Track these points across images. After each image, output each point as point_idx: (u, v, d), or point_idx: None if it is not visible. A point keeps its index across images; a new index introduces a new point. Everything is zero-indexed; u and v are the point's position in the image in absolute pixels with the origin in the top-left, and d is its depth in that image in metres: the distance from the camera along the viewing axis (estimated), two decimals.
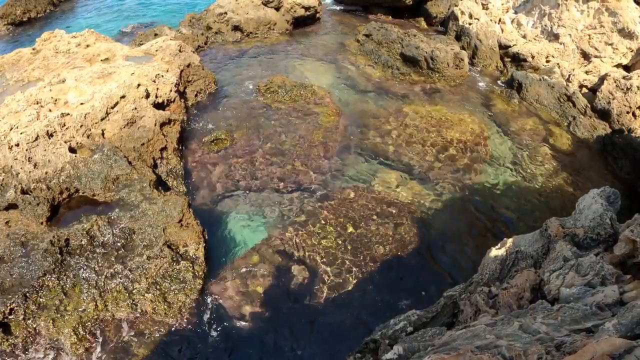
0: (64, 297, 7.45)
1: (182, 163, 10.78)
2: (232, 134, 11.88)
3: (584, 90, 14.38)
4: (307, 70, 15.62)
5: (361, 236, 9.20)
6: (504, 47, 16.95)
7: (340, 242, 9.06)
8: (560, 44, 15.72)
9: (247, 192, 10.18)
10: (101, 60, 12.52)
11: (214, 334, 7.43)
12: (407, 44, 16.01)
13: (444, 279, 8.56)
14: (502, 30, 17.39)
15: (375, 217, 9.65)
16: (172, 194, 9.40)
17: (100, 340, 7.15)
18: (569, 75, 14.72)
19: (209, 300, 7.89)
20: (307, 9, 19.80)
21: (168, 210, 8.67)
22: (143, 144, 10.32)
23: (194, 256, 8.28)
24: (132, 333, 7.27)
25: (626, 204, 6.45)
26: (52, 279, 7.53)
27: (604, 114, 13.26)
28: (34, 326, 7.12)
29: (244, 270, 8.44)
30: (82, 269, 7.78)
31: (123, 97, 10.79)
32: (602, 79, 13.86)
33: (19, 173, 8.78)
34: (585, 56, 15.25)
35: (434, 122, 12.87)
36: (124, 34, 19.52)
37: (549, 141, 12.69)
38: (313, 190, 10.31)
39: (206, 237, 8.82)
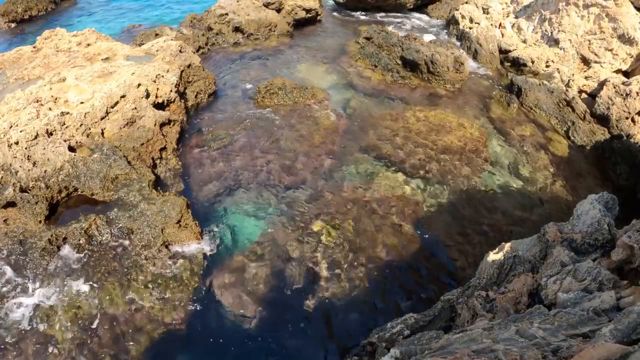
0: (61, 295, 7.44)
1: (181, 163, 10.79)
2: (232, 135, 11.89)
3: (584, 95, 14.42)
4: (307, 72, 15.65)
5: (359, 237, 9.21)
6: (504, 52, 17.00)
7: (338, 243, 9.06)
8: (560, 49, 15.77)
9: (246, 192, 10.18)
10: (102, 59, 12.53)
11: (211, 333, 7.42)
12: (407, 48, 16.04)
13: (441, 282, 8.57)
14: (503, 35, 17.45)
15: (373, 218, 9.66)
16: (171, 194, 9.40)
17: (97, 339, 7.13)
18: (569, 81, 14.76)
19: (206, 300, 7.88)
20: (308, 11, 19.85)
21: (167, 211, 8.68)
22: (142, 144, 10.33)
23: (191, 256, 8.29)
24: (129, 332, 7.26)
25: (624, 209, 6.46)
26: (50, 277, 7.53)
27: (603, 120, 13.29)
28: (31, 323, 7.11)
29: (241, 269, 8.43)
30: (79, 268, 7.77)
31: (123, 96, 10.80)
32: (602, 84, 13.90)
33: (17, 171, 8.77)
34: (585, 61, 15.29)
35: (433, 126, 12.89)
36: (124, 33, 19.53)
37: (547, 146, 12.72)
38: (312, 191, 10.31)
39: (204, 237, 8.83)
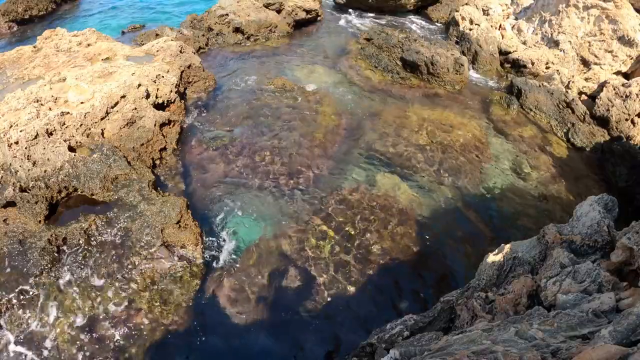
0: (60, 295, 7.44)
1: (181, 164, 10.79)
2: (232, 135, 11.90)
3: (583, 97, 14.43)
4: (308, 72, 15.66)
5: (359, 238, 9.21)
6: (504, 53, 17.01)
7: (338, 243, 9.06)
8: (560, 50, 15.79)
9: (246, 193, 10.18)
10: (102, 59, 12.53)
11: (211, 334, 7.42)
12: (407, 49, 16.05)
13: (441, 283, 8.57)
14: (503, 36, 17.46)
15: (373, 219, 9.66)
16: (171, 194, 9.40)
17: (96, 339, 7.13)
18: (569, 82, 14.77)
19: (206, 300, 7.88)
20: (308, 12, 19.87)
21: (166, 211, 8.67)
22: (142, 144, 10.33)
23: (191, 257, 8.28)
24: (128, 332, 7.26)
25: (623, 211, 6.47)
26: (49, 277, 7.53)
27: (603, 121, 13.30)
28: (30, 323, 7.11)
29: (241, 270, 8.43)
30: (79, 268, 7.77)
31: (123, 96, 10.80)
32: (602, 86, 13.91)
33: (17, 171, 8.77)
34: (585, 63, 15.31)
35: (433, 127, 12.90)
36: (125, 33, 19.54)
37: (547, 148, 12.73)
38: (312, 191, 10.32)
39: (204, 238, 8.83)
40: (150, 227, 8.43)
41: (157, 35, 17.43)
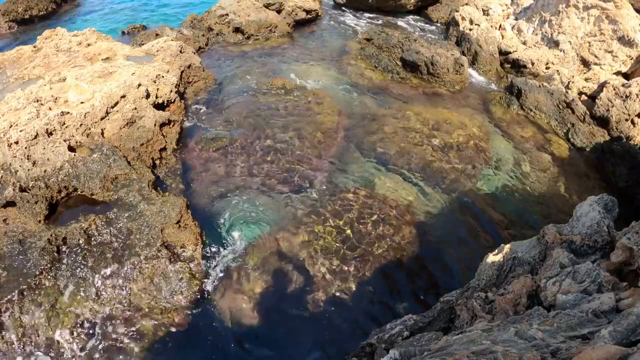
0: (60, 295, 7.44)
1: (181, 164, 10.79)
2: (232, 135, 11.89)
3: (583, 97, 14.43)
4: (308, 72, 15.65)
5: (359, 238, 9.21)
6: (504, 53, 17.01)
7: (338, 244, 9.06)
8: (560, 50, 15.79)
9: (246, 192, 10.18)
10: (102, 59, 12.53)
11: (210, 335, 7.42)
12: (407, 49, 16.06)
13: (441, 283, 8.57)
14: (503, 37, 17.46)
15: (374, 219, 9.66)
16: (171, 194, 9.40)
17: (96, 339, 7.13)
18: (569, 82, 14.78)
19: (206, 301, 7.88)
20: (308, 12, 19.89)
21: (166, 211, 8.67)
22: (142, 144, 10.33)
23: (191, 257, 8.28)
24: (128, 333, 7.26)
25: (623, 211, 6.47)
26: (49, 277, 7.52)
27: (603, 121, 13.31)
28: (30, 324, 7.11)
29: (241, 271, 8.43)
30: (79, 268, 7.77)
31: (123, 96, 10.80)
32: (602, 86, 13.91)
33: (17, 171, 8.77)
34: (585, 63, 15.32)
35: (433, 127, 12.90)
36: (125, 33, 19.55)
37: (547, 148, 12.73)
38: (312, 191, 10.32)
39: (204, 238, 8.83)
40: (150, 227, 8.43)
41: (157, 35, 17.43)
